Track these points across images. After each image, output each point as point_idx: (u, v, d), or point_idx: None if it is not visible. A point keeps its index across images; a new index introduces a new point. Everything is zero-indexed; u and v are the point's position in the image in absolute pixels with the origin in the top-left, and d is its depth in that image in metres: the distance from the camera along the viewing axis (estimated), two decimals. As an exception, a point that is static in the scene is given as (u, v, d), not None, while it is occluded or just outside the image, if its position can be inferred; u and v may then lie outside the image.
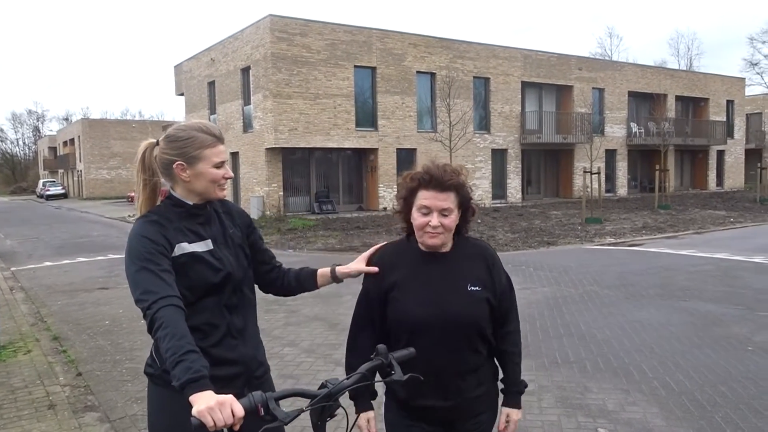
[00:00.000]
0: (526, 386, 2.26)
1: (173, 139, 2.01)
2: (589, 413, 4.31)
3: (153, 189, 2.08)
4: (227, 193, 2.14)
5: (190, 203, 2.05)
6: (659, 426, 4.07)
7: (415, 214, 2.03)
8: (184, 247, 1.97)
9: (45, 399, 4.81)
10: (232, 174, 2.11)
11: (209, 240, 2.05)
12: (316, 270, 2.32)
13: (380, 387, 2.08)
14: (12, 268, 12.71)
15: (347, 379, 1.74)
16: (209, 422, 1.53)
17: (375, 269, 2.14)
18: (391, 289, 2.09)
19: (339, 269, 2.28)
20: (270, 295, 2.39)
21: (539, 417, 4.26)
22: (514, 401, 2.22)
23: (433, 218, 1.99)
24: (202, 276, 1.98)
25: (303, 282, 2.31)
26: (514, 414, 2.21)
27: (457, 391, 2.07)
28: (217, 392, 1.84)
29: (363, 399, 2.13)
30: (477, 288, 2.05)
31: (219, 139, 2.04)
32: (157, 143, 2.05)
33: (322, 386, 1.67)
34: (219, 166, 2.03)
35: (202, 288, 1.98)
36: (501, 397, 2.24)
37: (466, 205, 2.07)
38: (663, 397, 4.59)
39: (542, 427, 4.09)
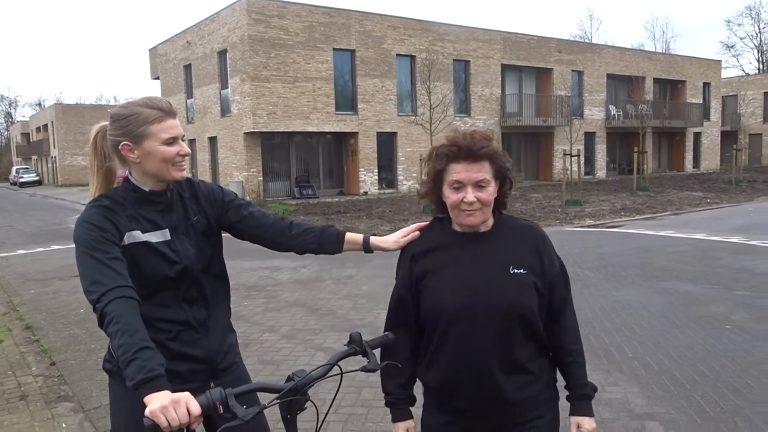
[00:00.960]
0: (595, 390, 1.94)
1: (116, 118, 1.85)
2: (570, 394, 4.30)
3: (106, 175, 1.95)
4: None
5: (147, 189, 1.89)
6: (639, 405, 4.08)
7: (447, 192, 1.78)
8: (136, 236, 1.83)
9: (17, 390, 4.68)
10: (188, 150, 1.91)
11: (166, 230, 1.89)
12: (344, 232, 2.10)
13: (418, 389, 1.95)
14: (-16, 257, 12.43)
15: (315, 370, 1.64)
16: (163, 422, 1.41)
17: (415, 235, 1.94)
18: (423, 277, 1.85)
19: (374, 240, 2.08)
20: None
21: (521, 399, 4.24)
22: (583, 409, 1.90)
23: (468, 193, 1.74)
24: (156, 269, 1.84)
25: (325, 241, 2.09)
26: (587, 423, 1.88)
27: (498, 391, 1.78)
28: (178, 388, 1.76)
29: (399, 406, 1.91)
30: (522, 271, 1.78)
31: (167, 113, 1.85)
32: None
33: (289, 379, 1.59)
34: (170, 142, 1.84)
35: (156, 281, 1.85)
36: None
37: (503, 176, 1.81)
38: (643, 376, 4.60)
39: (524, 409, 4.07)
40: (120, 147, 1.84)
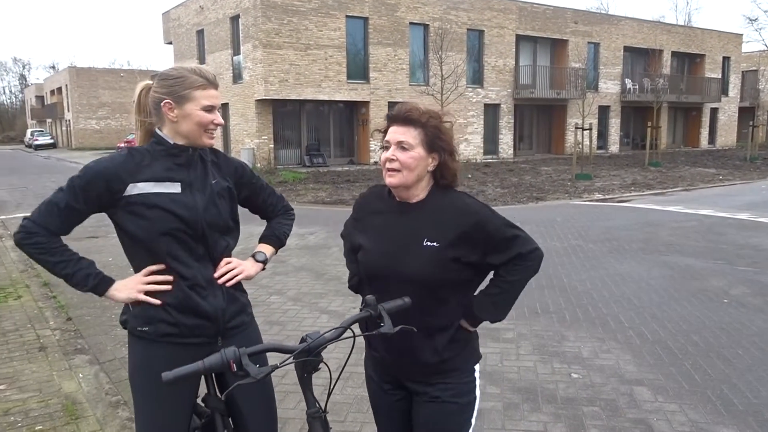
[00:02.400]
0: (494, 320, 1.98)
1: (164, 78, 2.00)
2: (564, 360, 4.46)
3: (148, 130, 2.07)
4: (218, 147, 2.11)
5: (171, 142, 2.01)
6: (630, 372, 4.23)
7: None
8: (142, 188, 1.95)
9: (36, 342, 4.91)
10: (222, 121, 2.06)
11: (178, 184, 1.99)
12: (261, 242, 2.38)
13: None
14: (1, 217, 12.72)
15: (328, 332, 1.70)
16: (141, 297, 1.97)
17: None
18: (361, 234, 2.04)
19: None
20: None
21: (516, 363, 4.41)
22: (469, 318, 1.99)
23: (389, 151, 1.89)
24: (158, 219, 1.94)
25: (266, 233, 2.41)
26: (465, 325, 2.00)
27: (405, 349, 1.93)
28: (184, 341, 2.01)
29: None
30: (435, 243, 1.86)
31: (211, 83, 2.01)
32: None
33: (302, 341, 1.66)
34: (208, 109, 1.99)
35: (159, 232, 1.95)
36: (476, 376, 2.03)
37: (438, 150, 1.90)
38: (636, 345, 4.75)
39: (518, 373, 4.24)
40: (162, 104, 1.98)
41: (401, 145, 1.88)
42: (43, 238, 1.93)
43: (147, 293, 1.98)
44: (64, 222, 1.95)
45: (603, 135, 31.65)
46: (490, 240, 1.89)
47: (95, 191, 1.93)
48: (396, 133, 1.90)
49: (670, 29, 35.11)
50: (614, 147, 32.31)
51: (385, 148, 1.93)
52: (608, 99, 31.47)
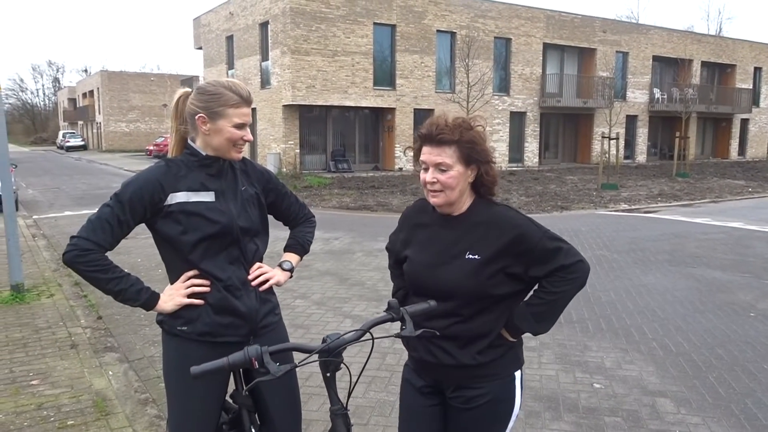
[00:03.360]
0: (535, 332, 1.97)
1: (202, 92, 2.09)
2: (586, 370, 4.46)
3: (182, 137, 2.18)
4: (245, 151, 2.19)
5: (203, 153, 2.12)
6: (653, 383, 4.21)
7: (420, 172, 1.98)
8: (180, 197, 2.05)
9: (67, 339, 5.06)
10: (251, 137, 2.15)
11: (212, 192, 2.10)
12: (286, 250, 2.48)
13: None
14: (34, 216, 13.08)
15: (347, 334, 1.75)
16: (186, 301, 2.07)
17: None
18: (407, 247, 2.08)
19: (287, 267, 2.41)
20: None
21: (538, 371, 4.42)
22: (510, 328, 1.99)
23: (429, 174, 1.92)
24: (196, 226, 2.05)
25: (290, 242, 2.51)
26: (506, 335, 2.01)
27: (446, 353, 1.96)
28: (220, 341, 2.11)
29: None
30: (475, 257, 1.90)
31: (245, 101, 2.09)
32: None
33: (323, 341, 1.71)
34: (239, 127, 2.08)
35: (197, 237, 2.05)
36: (516, 381, 2.03)
37: (475, 162, 1.92)
38: (660, 357, 4.72)
39: (540, 381, 4.25)
40: (197, 117, 2.08)
41: (439, 167, 1.90)
42: (97, 254, 2.00)
43: (189, 296, 2.09)
44: (114, 236, 2.04)
45: (630, 145, 31.32)
46: (531, 252, 1.90)
47: (140, 203, 2.03)
48: (431, 155, 1.91)
49: (701, 39, 34.64)
50: (641, 157, 31.93)
51: (423, 168, 1.95)
52: (636, 108, 31.14)
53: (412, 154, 2.03)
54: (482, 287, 1.90)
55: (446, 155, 1.89)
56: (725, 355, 4.75)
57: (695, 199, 16.31)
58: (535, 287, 1.99)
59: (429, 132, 1.91)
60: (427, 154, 1.92)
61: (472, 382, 1.97)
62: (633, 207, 14.59)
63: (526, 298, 2.02)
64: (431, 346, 1.98)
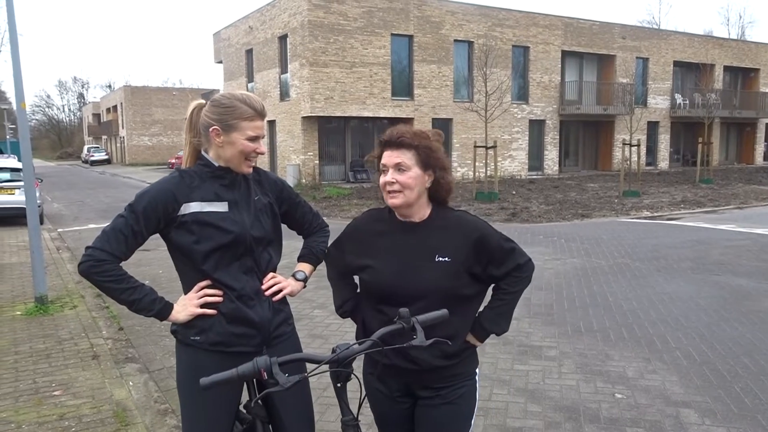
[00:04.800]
0: (500, 332, 2.13)
1: (216, 104, 2.10)
2: (608, 379, 4.39)
3: (195, 148, 2.19)
4: (265, 162, 2.20)
5: (216, 164, 2.13)
6: (676, 393, 4.13)
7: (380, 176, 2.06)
8: (193, 207, 2.07)
9: (89, 350, 5.12)
10: (264, 150, 2.16)
11: (225, 203, 2.11)
12: (300, 260, 2.42)
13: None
14: (59, 229, 13.30)
15: (358, 344, 1.74)
16: (203, 310, 2.07)
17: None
18: (363, 256, 2.11)
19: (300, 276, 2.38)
20: None
21: (558, 381, 4.36)
22: (477, 332, 2.11)
23: (388, 175, 2.00)
24: (210, 235, 2.06)
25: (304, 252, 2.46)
26: (472, 340, 2.12)
27: (420, 356, 2.01)
28: (233, 350, 2.10)
29: None
30: (445, 258, 2.00)
31: (259, 114, 2.10)
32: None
33: (333, 352, 1.70)
34: (253, 139, 2.09)
35: (211, 246, 2.06)
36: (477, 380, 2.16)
37: (432, 168, 2.02)
38: (684, 366, 4.63)
39: (560, 391, 4.19)
40: (210, 129, 2.10)
41: (399, 167, 2.00)
42: (112, 265, 2.03)
43: (202, 306, 2.10)
44: (128, 247, 2.06)
45: (652, 151, 30.96)
46: (492, 253, 2.04)
47: (155, 213, 2.06)
48: (392, 156, 2.01)
49: (722, 43, 34.19)
50: (663, 163, 31.53)
51: (382, 171, 2.04)
52: (657, 114, 30.79)
53: (373, 162, 2.11)
54: (454, 288, 2.01)
55: (405, 157, 2.00)
56: (751, 364, 4.65)
57: (719, 205, 16.04)
58: (492, 289, 2.15)
59: (390, 136, 2.03)
60: (388, 156, 2.02)
61: (440, 382, 2.07)
62: (655, 214, 14.40)
63: (487, 304, 2.15)
64: (404, 351, 1.99)
